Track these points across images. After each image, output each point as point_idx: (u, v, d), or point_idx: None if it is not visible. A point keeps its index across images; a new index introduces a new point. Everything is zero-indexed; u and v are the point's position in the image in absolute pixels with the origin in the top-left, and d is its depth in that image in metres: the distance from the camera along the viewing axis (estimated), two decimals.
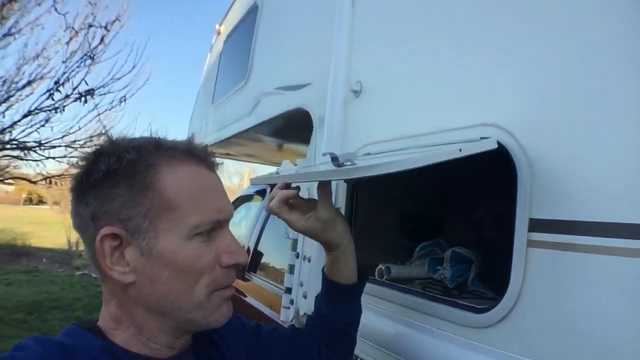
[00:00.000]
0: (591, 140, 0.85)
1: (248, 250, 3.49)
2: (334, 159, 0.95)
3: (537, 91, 0.96)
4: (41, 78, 7.29)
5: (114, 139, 0.79)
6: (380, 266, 1.47)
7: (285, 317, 1.79)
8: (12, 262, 10.10)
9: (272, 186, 1.15)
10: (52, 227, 15.66)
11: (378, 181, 0.87)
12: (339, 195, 1.61)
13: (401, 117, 1.37)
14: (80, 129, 7.50)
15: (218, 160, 0.86)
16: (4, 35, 7.11)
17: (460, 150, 0.91)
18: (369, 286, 1.37)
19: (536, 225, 0.90)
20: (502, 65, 1.05)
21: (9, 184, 8.82)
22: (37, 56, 7.32)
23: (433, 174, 0.90)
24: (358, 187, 1.60)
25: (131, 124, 14.70)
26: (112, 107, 7.69)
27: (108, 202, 0.73)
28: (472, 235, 1.68)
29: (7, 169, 8.25)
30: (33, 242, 12.70)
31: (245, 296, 3.21)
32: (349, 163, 0.95)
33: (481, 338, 0.99)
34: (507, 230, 0.96)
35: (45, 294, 7.30)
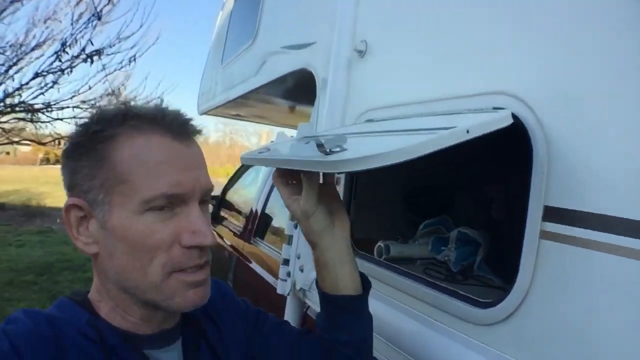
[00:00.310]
0: (621, 118, 0.71)
1: (255, 213, 3.44)
2: (320, 145, 0.79)
3: (560, 56, 0.82)
4: (52, 40, 7.28)
5: (96, 109, 0.79)
6: (379, 243, 1.39)
7: (282, 289, 1.70)
8: (26, 223, 10.07)
9: None
10: None
11: None
12: None
13: (408, 81, 1.25)
14: (90, 88, 7.52)
15: (196, 127, 0.79)
16: (12, 2, 7.06)
17: (468, 131, 0.77)
18: (364, 264, 1.28)
19: (551, 214, 0.78)
20: (519, 25, 0.91)
21: (25, 144, 8.92)
22: (47, 19, 7.31)
23: None
24: None
25: (141, 83, 15.06)
26: (122, 67, 7.68)
27: (75, 174, 0.75)
28: (481, 215, 1.56)
29: (14, 131, 8.30)
30: (48, 202, 12.78)
31: (251, 262, 3.18)
32: (337, 149, 0.80)
33: (482, 336, 0.89)
34: (519, 213, 0.85)
35: (57, 254, 7.30)
